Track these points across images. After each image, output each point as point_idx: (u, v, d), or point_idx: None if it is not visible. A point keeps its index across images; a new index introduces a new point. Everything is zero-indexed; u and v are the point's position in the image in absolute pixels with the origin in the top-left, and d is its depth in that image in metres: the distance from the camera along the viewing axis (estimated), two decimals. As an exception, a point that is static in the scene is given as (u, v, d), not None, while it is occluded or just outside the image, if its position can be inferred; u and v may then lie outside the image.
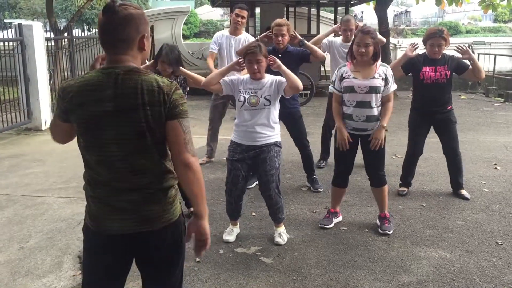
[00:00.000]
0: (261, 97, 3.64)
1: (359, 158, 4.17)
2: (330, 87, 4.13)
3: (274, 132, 3.73)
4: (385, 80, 3.85)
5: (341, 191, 4.23)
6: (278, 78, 3.72)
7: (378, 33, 4.54)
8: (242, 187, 3.85)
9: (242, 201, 3.93)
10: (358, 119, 3.87)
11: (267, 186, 3.73)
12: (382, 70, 3.86)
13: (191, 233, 1.94)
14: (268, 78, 3.73)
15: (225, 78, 3.81)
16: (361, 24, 5.00)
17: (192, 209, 4.36)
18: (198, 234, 1.94)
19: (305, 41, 4.86)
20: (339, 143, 3.96)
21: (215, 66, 5.85)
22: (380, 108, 3.90)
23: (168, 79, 1.91)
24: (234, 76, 3.93)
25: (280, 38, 4.74)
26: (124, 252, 1.98)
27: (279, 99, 3.77)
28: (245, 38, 5.83)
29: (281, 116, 3.85)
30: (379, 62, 3.87)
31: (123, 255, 1.99)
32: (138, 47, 1.88)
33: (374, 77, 3.82)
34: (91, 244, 2.01)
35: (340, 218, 4.29)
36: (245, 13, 5.74)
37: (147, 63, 4.29)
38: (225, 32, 5.97)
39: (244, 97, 3.67)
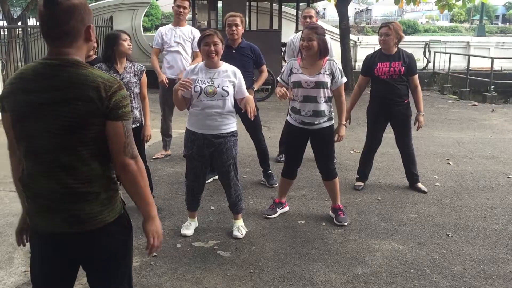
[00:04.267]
0: (218, 87, 3.59)
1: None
2: (278, 77, 4.17)
3: (229, 121, 3.69)
4: (332, 74, 3.92)
5: (288, 182, 4.33)
6: (239, 83, 3.68)
7: (339, 29, 4.61)
8: (204, 182, 3.88)
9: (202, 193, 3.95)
10: (305, 114, 3.96)
11: (227, 175, 3.75)
12: (328, 65, 3.94)
13: (147, 236, 1.90)
14: (227, 68, 3.68)
15: (182, 85, 3.55)
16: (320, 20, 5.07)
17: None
18: (151, 238, 1.90)
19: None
20: (278, 93, 3.89)
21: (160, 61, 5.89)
22: (328, 103, 3.98)
23: (113, 76, 1.80)
24: (186, 70, 3.81)
25: (233, 28, 4.73)
26: (57, 250, 1.87)
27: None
28: (191, 31, 5.83)
29: (238, 109, 3.83)
30: (327, 58, 3.95)
31: (59, 255, 1.88)
32: (85, 38, 1.80)
33: (320, 73, 3.90)
34: (30, 242, 1.94)
35: (286, 209, 4.36)
36: (186, 3, 5.74)
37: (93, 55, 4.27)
38: (169, 25, 5.95)
39: (200, 87, 3.59)
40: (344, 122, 4.09)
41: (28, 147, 1.78)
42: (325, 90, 3.92)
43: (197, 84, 3.61)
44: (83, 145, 1.76)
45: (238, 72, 3.72)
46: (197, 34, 5.84)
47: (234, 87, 3.66)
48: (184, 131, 3.81)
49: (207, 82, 3.60)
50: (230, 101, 3.66)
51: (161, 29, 5.93)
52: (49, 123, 1.72)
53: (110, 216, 1.86)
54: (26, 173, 1.82)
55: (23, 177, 1.84)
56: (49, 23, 1.73)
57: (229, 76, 3.65)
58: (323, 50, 3.88)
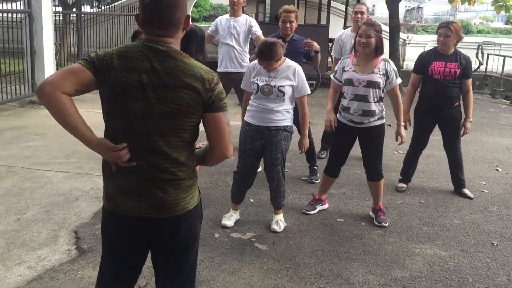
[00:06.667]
0: (274, 87, 3.62)
1: (359, 151, 4.16)
2: (331, 75, 4.14)
3: (284, 117, 3.72)
4: (386, 75, 3.83)
5: (330, 180, 4.28)
6: (298, 82, 3.70)
7: (388, 27, 4.55)
8: (253, 177, 3.93)
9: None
10: (355, 113, 3.90)
11: (272, 168, 3.76)
12: (382, 65, 3.85)
13: None
14: (289, 65, 3.67)
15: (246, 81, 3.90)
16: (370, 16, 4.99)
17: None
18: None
19: (319, 53, 4.92)
20: (325, 124, 4.12)
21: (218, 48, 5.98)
22: (379, 103, 3.91)
23: (210, 69, 1.84)
24: (248, 68, 3.92)
25: (287, 25, 4.74)
26: (137, 235, 1.89)
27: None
28: (246, 19, 5.86)
29: None
30: (381, 57, 3.86)
31: (136, 238, 1.90)
32: (183, 28, 1.85)
33: (373, 72, 3.82)
34: (106, 225, 1.94)
35: (325, 206, 4.32)
36: None
37: None
38: (226, 16, 6.00)
39: (257, 84, 3.67)
40: (402, 123, 4.05)
41: (124, 126, 1.77)
42: (376, 90, 3.83)
43: (255, 81, 3.68)
44: (179, 132, 1.80)
45: (300, 70, 3.72)
46: (253, 22, 5.88)
47: (292, 88, 3.68)
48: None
49: (265, 80, 3.66)
50: (287, 99, 3.69)
51: (218, 18, 6.06)
52: (152, 106, 1.74)
53: (191, 203, 1.90)
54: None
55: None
56: (156, 12, 1.76)
57: (289, 77, 3.66)
58: (380, 48, 3.80)
